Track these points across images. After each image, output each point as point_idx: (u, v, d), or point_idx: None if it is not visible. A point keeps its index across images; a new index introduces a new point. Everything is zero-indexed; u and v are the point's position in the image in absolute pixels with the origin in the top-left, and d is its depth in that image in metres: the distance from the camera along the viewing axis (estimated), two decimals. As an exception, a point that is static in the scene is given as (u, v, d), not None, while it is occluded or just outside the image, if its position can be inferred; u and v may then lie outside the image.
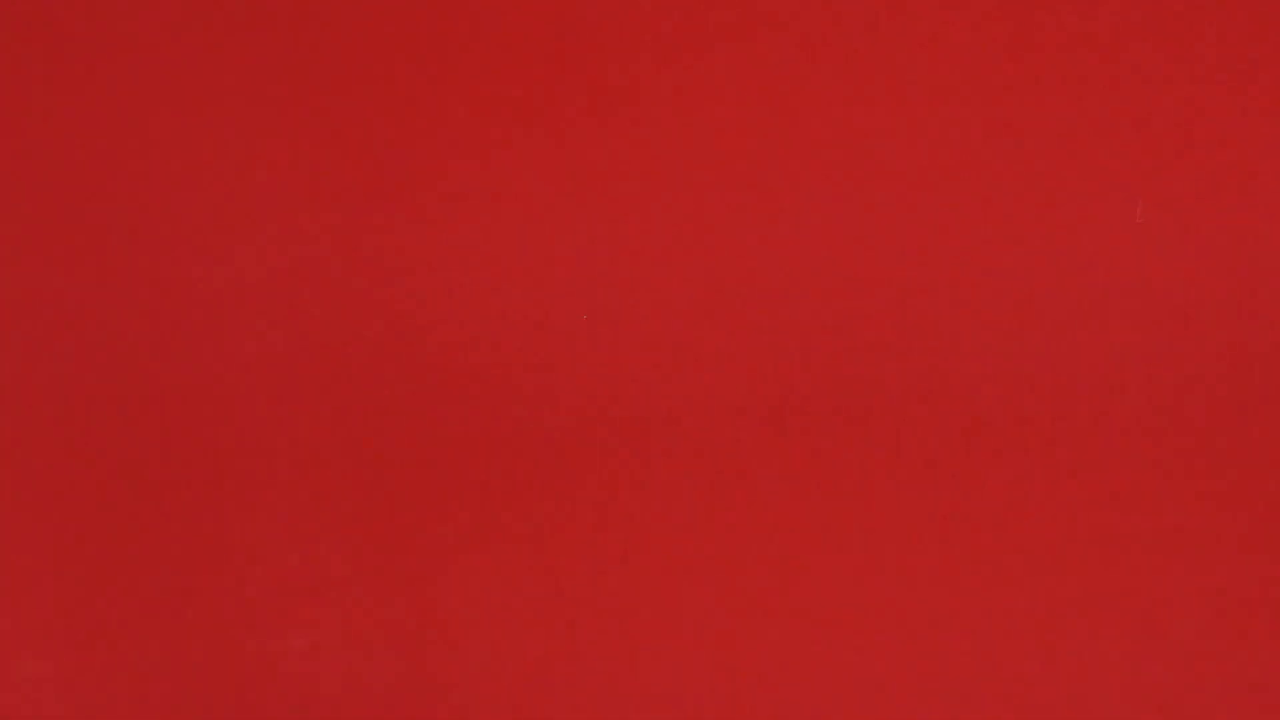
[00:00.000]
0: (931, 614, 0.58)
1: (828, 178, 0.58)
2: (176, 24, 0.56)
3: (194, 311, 0.57)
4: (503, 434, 0.58)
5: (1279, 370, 0.58)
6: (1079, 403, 0.58)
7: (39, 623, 0.58)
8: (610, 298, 0.57)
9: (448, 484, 0.58)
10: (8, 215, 0.56)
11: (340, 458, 0.58)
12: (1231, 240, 0.58)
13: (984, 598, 0.58)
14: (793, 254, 0.58)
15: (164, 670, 0.59)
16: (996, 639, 0.58)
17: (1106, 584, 0.58)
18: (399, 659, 0.58)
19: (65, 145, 0.56)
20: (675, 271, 0.58)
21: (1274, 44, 0.57)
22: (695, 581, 0.58)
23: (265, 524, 0.58)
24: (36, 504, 0.57)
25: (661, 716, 0.58)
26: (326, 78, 0.56)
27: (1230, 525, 0.58)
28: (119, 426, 0.57)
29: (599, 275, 0.57)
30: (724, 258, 0.58)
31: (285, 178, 0.56)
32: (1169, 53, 0.57)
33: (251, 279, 0.57)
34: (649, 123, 0.57)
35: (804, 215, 0.58)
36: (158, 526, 0.58)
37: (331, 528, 0.57)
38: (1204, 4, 0.57)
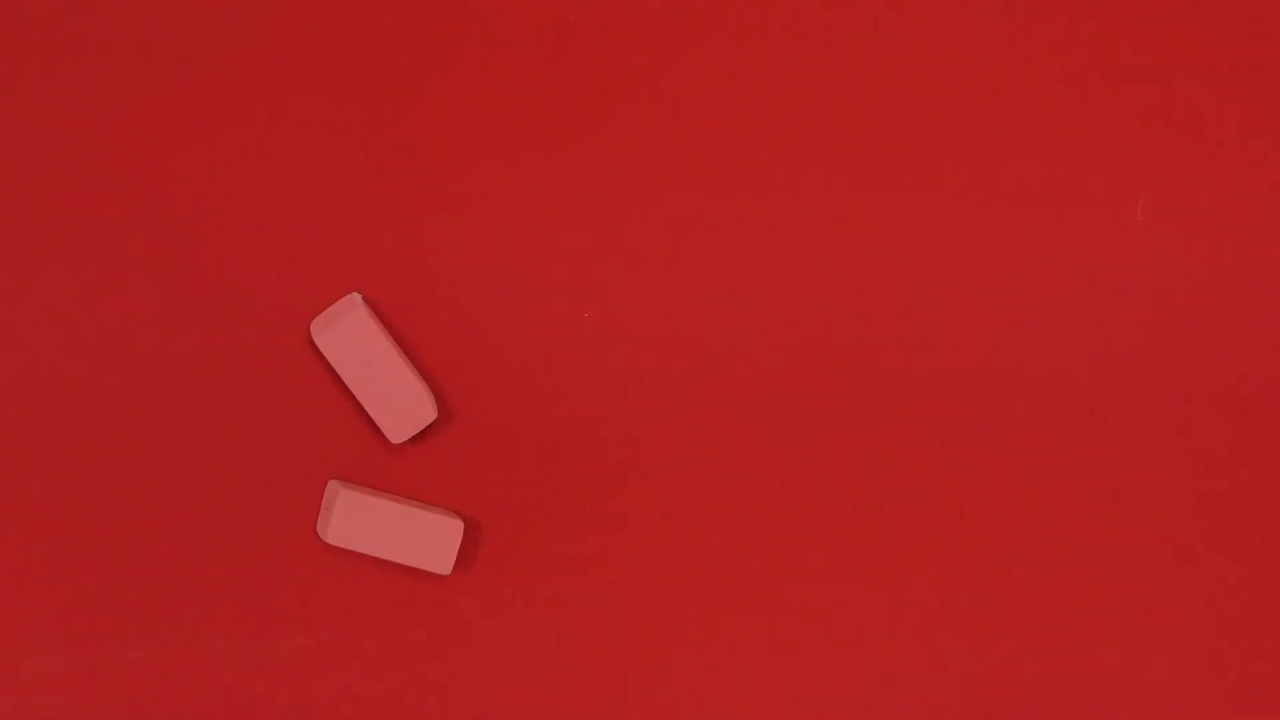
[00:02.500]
0: (929, 613, 0.58)
1: (828, 177, 0.58)
2: (180, 24, 0.56)
3: (197, 311, 0.57)
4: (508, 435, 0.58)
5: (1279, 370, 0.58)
6: (1077, 403, 0.58)
7: (39, 623, 0.58)
8: (610, 295, 0.57)
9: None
10: (14, 215, 0.56)
11: (341, 459, 0.58)
12: (1231, 240, 0.58)
13: (982, 599, 0.58)
14: (794, 253, 0.58)
15: (164, 670, 0.58)
16: (994, 640, 0.58)
17: (1107, 585, 0.58)
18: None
19: (68, 145, 0.56)
20: (675, 269, 0.58)
21: (1275, 44, 0.57)
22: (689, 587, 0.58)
23: (267, 519, 0.58)
24: (36, 504, 0.57)
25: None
26: (327, 77, 0.56)
27: (1230, 525, 0.59)
28: (119, 425, 0.57)
29: (599, 275, 0.57)
30: (724, 257, 0.58)
31: (286, 176, 0.56)
32: (1168, 53, 0.57)
33: (252, 280, 0.57)
34: (649, 123, 0.57)
35: (805, 214, 0.58)
36: (158, 525, 0.58)
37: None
38: (1204, 4, 0.57)
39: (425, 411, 0.56)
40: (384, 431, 0.56)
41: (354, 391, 0.56)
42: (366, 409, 0.56)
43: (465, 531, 0.58)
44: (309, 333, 0.57)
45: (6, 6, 0.56)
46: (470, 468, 0.58)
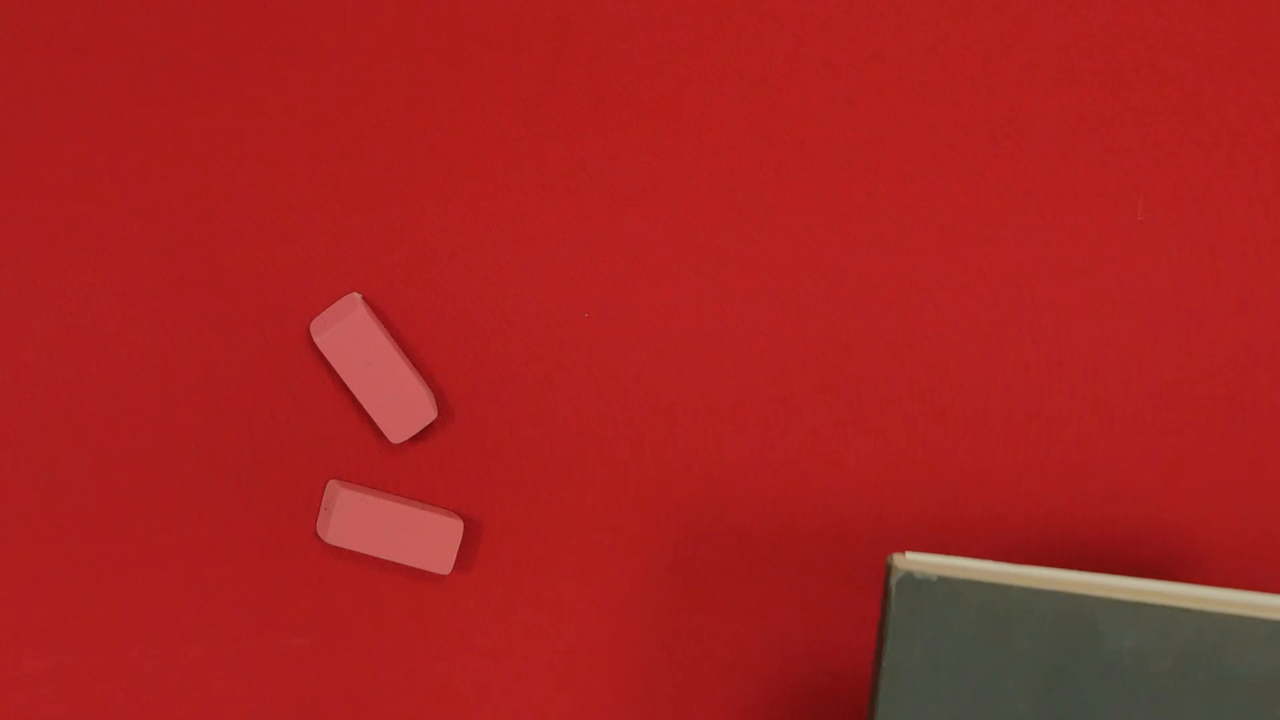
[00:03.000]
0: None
1: (828, 177, 0.58)
2: (181, 25, 0.56)
3: (197, 311, 0.57)
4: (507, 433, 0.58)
5: (1278, 369, 0.58)
6: (1077, 402, 0.58)
7: (39, 623, 0.58)
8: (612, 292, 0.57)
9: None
10: (15, 216, 0.56)
11: (341, 459, 0.58)
12: (1231, 240, 0.58)
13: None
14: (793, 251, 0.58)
15: (164, 670, 0.59)
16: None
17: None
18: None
19: (68, 146, 0.56)
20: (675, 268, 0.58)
21: (1275, 44, 0.58)
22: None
23: (267, 519, 0.58)
24: (36, 504, 0.57)
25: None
26: (328, 78, 0.56)
27: (1229, 525, 0.59)
28: (119, 425, 0.57)
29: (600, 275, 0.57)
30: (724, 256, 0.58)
31: (286, 176, 0.56)
32: (1170, 52, 0.57)
33: (252, 280, 0.57)
34: (649, 122, 0.57)
35: (803, 214, 0.58)
36: (158, 525, 0.58)
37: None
38: (1204, 4, 0.57)
39: (425, 411, 0.56)
40: (384, 431, 0.56)
41: (354, 391, 0.56)
42: (366, 409, 0.56)
43: (465, 531, 0.58)
44: (309, 333, 0.57)
45: (6, 6, 0.56)
46: (470, 468, 0.58)
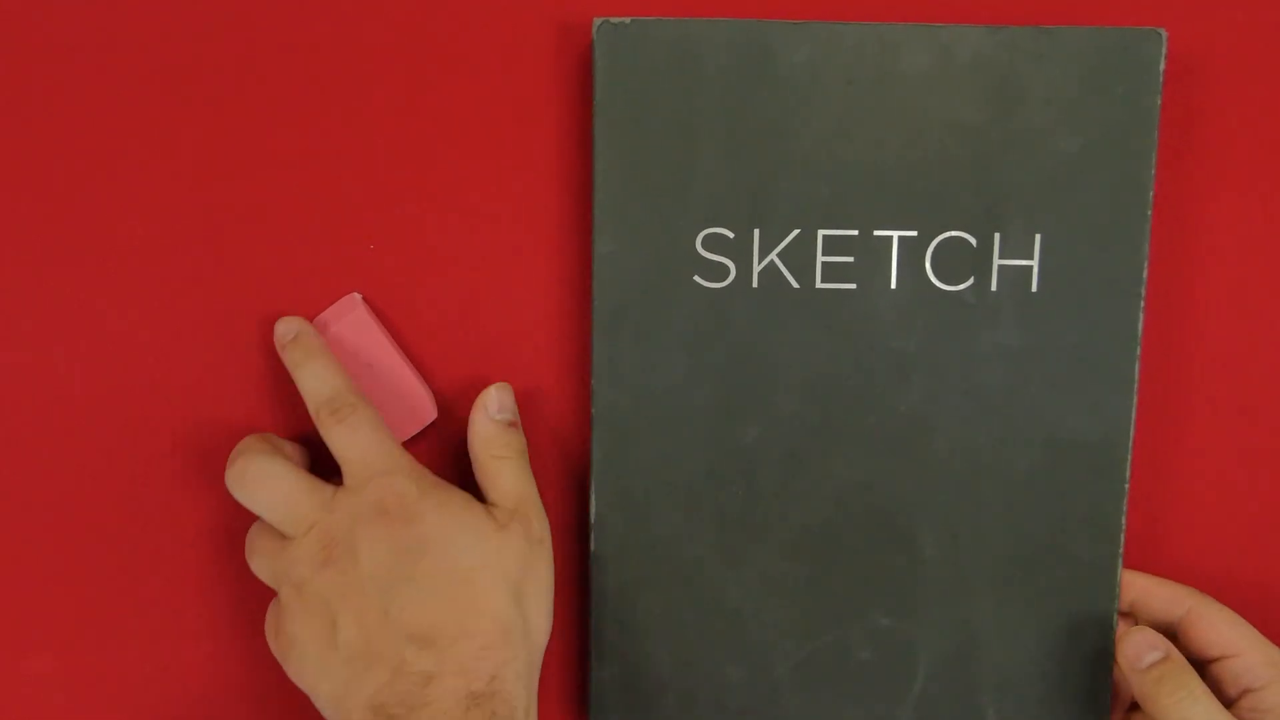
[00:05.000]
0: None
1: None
2: (181, 25, 0.56)
3: (198, 311, 0.57)
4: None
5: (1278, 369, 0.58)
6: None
7: (38, 623, 0.58)
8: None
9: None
10: (15, 217, 0.56)
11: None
12: (1232, 240, 0.58)
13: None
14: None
15: (164, 670, 0.59)
16: None
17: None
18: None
19: (68, 145, 0.56)
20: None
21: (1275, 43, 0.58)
22: None
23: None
24: (36, 505, 0.58)
25: None
26: (328, 78, 0.56)
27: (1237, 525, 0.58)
28: (119, 426, 0.57)
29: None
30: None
31: (286, 176, 0.56)
32: (1169, 49, 0.57)
33: (252, 280, 0.57)
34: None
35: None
36: (158, 525, 0.58)
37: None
38: (1206, 3, 0.57)
39: (425, 411, 0.56)
40: None
41: None
42: (367, 409, 0.56)
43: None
44: (309, 333, 0.57)
45: (6, 6, 0.56)
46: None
